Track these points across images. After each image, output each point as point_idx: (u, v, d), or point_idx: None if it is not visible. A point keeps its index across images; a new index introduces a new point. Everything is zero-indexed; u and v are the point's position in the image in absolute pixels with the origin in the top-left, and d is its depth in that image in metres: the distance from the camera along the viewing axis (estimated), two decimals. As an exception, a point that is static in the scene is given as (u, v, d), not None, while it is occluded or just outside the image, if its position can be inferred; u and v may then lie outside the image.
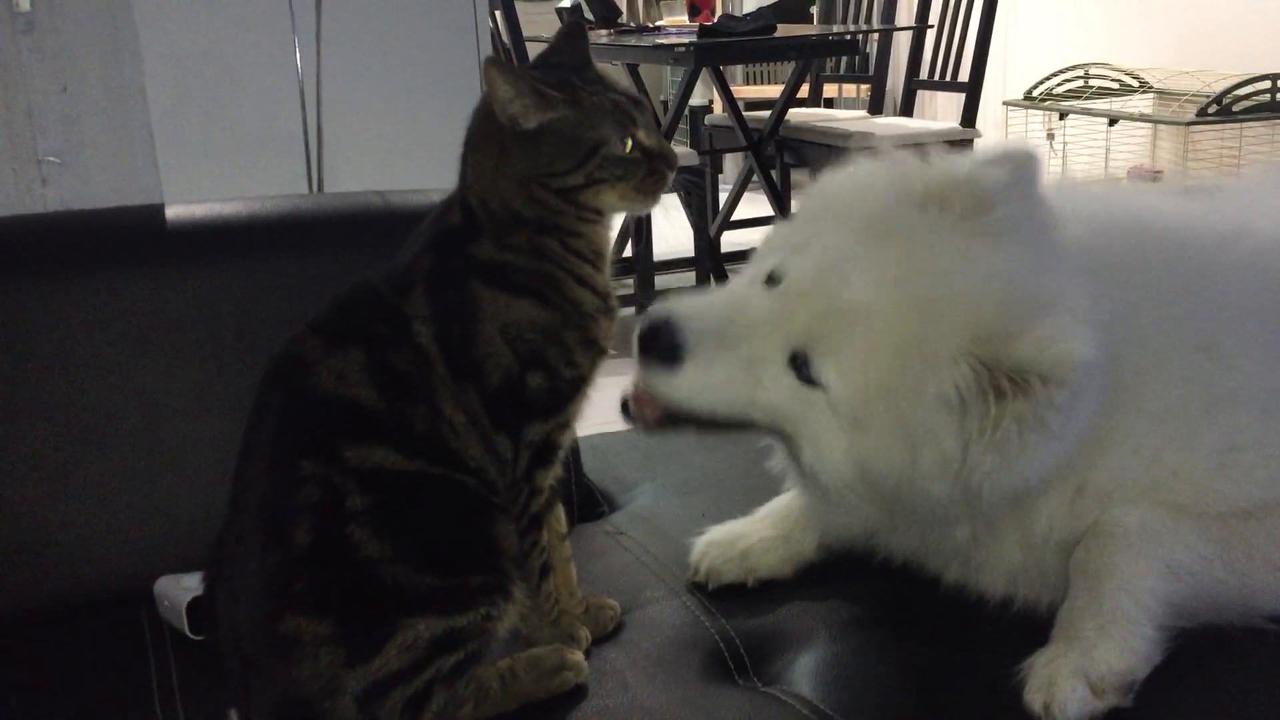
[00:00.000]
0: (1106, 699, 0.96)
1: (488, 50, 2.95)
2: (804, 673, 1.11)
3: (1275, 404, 1.11)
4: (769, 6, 4.72)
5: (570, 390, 1.06)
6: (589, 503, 1.54)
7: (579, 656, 1.10)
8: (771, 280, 1.07)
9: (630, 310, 4.64)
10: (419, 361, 1.01)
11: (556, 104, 1.00)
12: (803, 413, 1.04)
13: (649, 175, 1.04)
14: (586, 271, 1.06)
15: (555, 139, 1.01)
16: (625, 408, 1.11)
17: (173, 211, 1.49)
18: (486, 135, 1.03)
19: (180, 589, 1.23)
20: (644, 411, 1.10)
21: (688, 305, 1.06)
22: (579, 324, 1.05)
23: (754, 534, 1.27)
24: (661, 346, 1.03)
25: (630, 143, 1.03)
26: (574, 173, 1.02)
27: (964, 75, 4.52)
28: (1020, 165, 1.05)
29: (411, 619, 0.96)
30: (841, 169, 1.15)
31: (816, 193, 1.14)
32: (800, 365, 1.04)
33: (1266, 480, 1.09)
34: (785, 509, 1.30)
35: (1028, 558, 1.11)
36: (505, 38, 3.99)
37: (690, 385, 1.04)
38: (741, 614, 1.21)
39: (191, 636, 1.20)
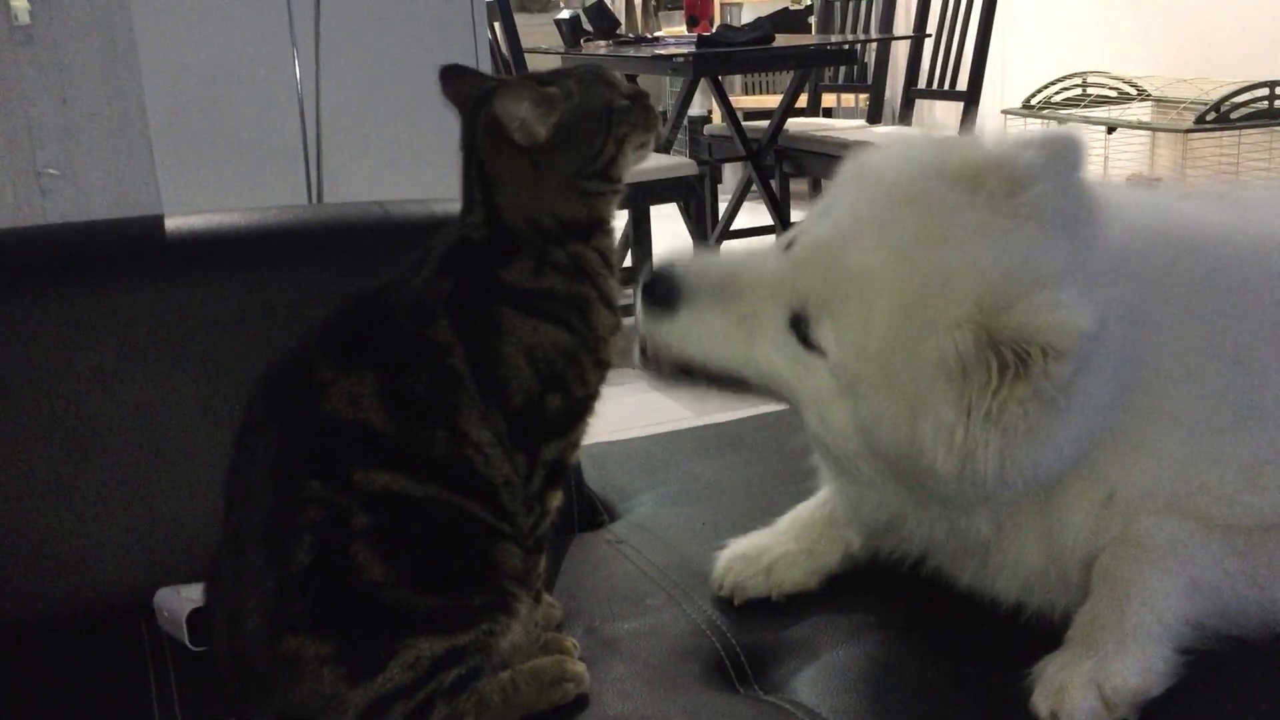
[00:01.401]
0: (1116, 713, 0.95)
1: (487, 61, 2.94)
2: (806, 680, 1.10)
3: None
4: (767, 17, 4.73)
5: (581, 409, 1.08)
6: (590, 512, 1.54)
7: (580, 667, 1.09)
8: (790, 246, 1.07)
9: (630, 320, 4.65)
10: (444, 384, 1.01)
11: (557, 100, 1.03)
12: (802, 378, 1.04)
13: (646, 112, 1.08)
14: (611, 287, 1.07)
15: (577, 126, 1.04)
16: (643, 352, 1.12)
17: (172, 223, 1.49)
18: (512, 163, 1.04)
19: (181, 600, 1.23)
20: (658, 360, 1.10)
21: (694, 259, 1.08)
22: (594, 347, 1.06)
23: (778, 548, 1.25)
24: (659, 292, 1.05)
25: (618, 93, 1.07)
26: (607, 144, 1.05)
27: (962, 84, 4.53)
28: (1060, 152, 1.02)
29: (414, 639, 0.96)
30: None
31: (854, 162, 1.11)
32: (801, 328, 1.03)
33: None
34: (809, 520, 1.28)
35: (1049, 564, 1.09)
36: (504, 49, 4.00)
37: (684, 333, 1.05)
38: (743, 622, 1.21)
39: (192, 648, 1.20)
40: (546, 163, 1.04)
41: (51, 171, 1.72)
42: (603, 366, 1.08)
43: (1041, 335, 0.92)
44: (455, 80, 1.10)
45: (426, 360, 1.01)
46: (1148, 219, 1.17)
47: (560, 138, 1.03)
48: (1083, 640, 1.00)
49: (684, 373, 1.10)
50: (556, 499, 1.08)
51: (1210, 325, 1.10)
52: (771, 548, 1.26)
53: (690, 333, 1.05)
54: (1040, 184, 0.99)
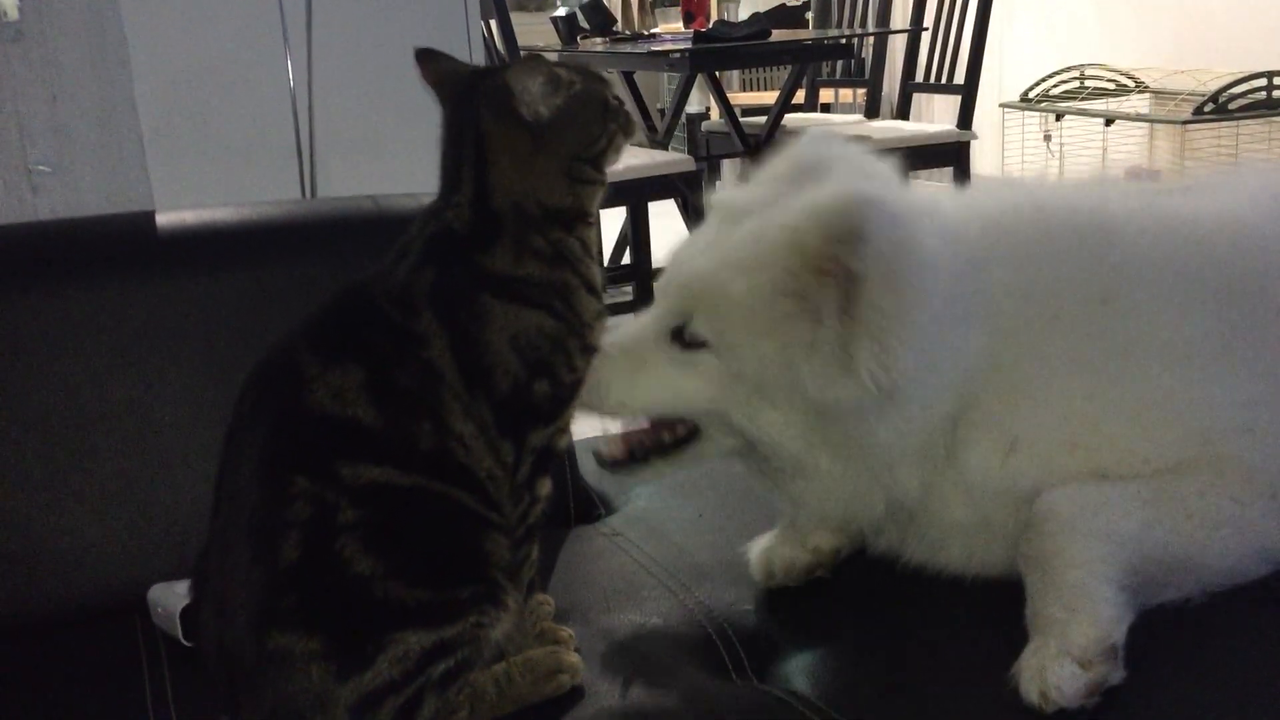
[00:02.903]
0: (1095, 670, 0.97)
1: (481, 58, 2.94)
2: (801, 669, 1.10)
3: (1182, 358, 1.13)
4: (764, 13, 4.73)
5: (569, 394, 1.07)
6: (586, 505, 1.53)
7: (575, 659, 1.09)
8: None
9: (630, 316, 4.65)
10: (426, 378, 1.00)
11: (563, 83, 1.05)
12: (699, 379, 1.12)
13: (628, 116, 1.12)
14: (593, 273, 1.08)
15: (578, 112, 1.06)
16: (599, 458, 1.21)
17: (164, 219, 1.48)
18: (511, 136, 1.04)
19: (174, 596, 1.22)
20: (612, 450, 1.19)
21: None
22: (580, 332, 1.06)
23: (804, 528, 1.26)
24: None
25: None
26: (601, 134, 1.08)
27: (960, 78, 4.52)
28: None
29: (402, 633, 0.95)
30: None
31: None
32: (681, 336, 1.12)
33: (1184, 437, 1.11)
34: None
35: (979, 522, 1.14)
36: (500, 46, 3.99)
37: (617, 391, 1.13)
38: (738, 612, 1.21)
39: (185, 643, 1.20)
40: (545, 142, 1.05)
41: (42, 168, 1.72)
42: (589, 351, 1.08)
43: (828, 223, 1.04)
44: (431, 63, 1.11)
45: (409, 353, 1.01)
46: (1015, 198, 1.27)
47: (562, 121, 1.05)
48: (1039, 627, 1.03)
49: (634, 458, 1.19)
50: (546, 486, 1.07)
51: (1075, 273, 1.16)
52: (799, 527, 1.27)
53: (621, 388, 1.13)
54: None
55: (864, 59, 5.17)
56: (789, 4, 5.99)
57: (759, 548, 1.27)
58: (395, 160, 2.62)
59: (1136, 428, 1.12)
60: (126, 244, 1.45)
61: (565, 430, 1.09)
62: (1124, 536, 1.06)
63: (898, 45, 5.19)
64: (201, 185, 2.34)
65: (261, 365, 1.04)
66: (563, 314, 1.05)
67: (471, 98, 1.06)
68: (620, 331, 1.16)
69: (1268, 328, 1.17)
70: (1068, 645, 0.98)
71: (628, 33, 4.98)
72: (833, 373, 1.05)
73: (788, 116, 4.66)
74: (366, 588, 0.94)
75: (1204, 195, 1.32)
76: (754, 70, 6.89)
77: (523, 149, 1.05)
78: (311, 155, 2.58)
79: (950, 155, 4.43)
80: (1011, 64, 6.10)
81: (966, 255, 1.14)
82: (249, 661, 0.95)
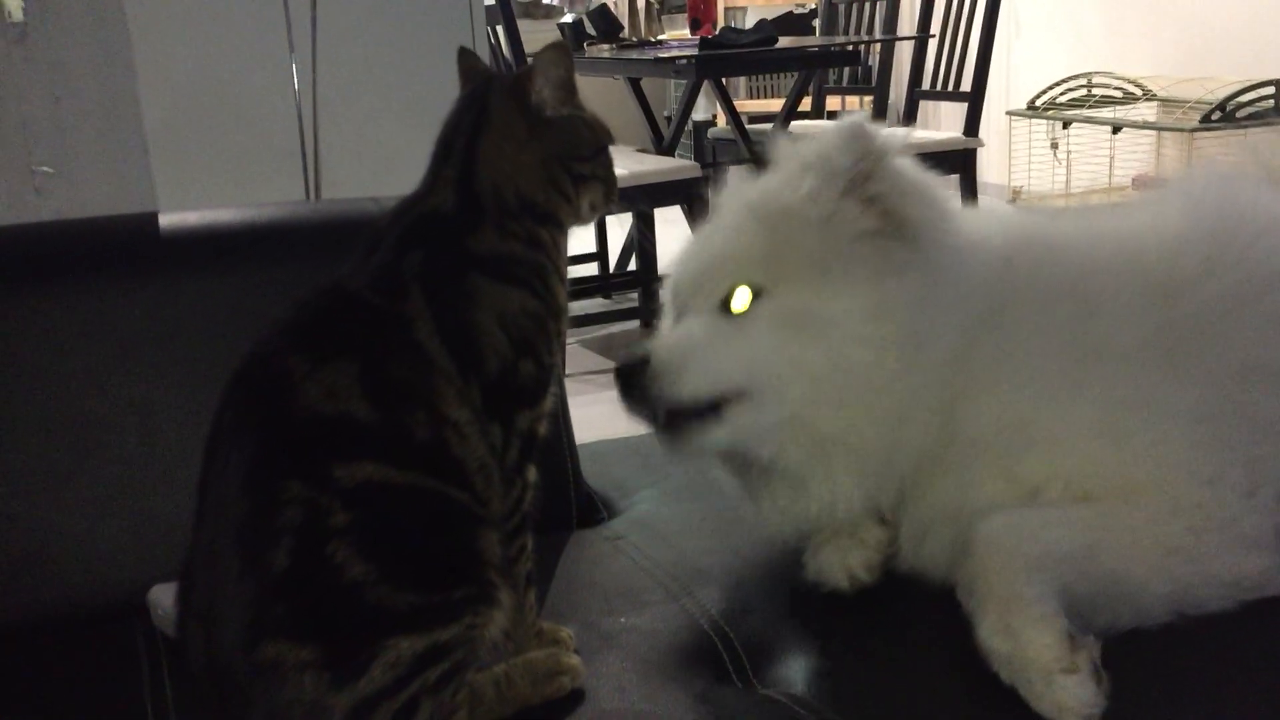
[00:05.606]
0: (1080, 668, 0.97)
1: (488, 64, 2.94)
2: (805, 675, 1.09)
3: (1134, 364, 1.13)
4: (771, 20, 4.73)
5: (549, 377, 1.09)
6: (589, 509, 1.53)
7: (575, 660, 1.08)
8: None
9: (634, 323, 4.64)
10: (419, 364, 1.00)
11: (579, 103, 1.10)
12: (764, 343, 1.17)
13: (614, 187, 1.15)
14: (563, 264, 1.11)
15: (577, 129, 1.10)
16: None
17: (167, 220, 1.48)
18: (510, 118, 1.08)
19: (174, 597, 1.21)
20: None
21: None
22: (555, 315, 1.09)
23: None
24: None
25: None
26: (588, 163, 1.11)
27: (966, 85, 4.52)
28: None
29: (395, 638, 0.93)
30: None
31: None
32: (733, 307, 1.18)
33: (1149, 447, 1.10)
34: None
35: (960, 498, 1.15)
36: (507, 53, 4.00)
37: (693, 374, 1.16)
38: (742, 618, 1.20)
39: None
40: (538, 135, 1.08)
41: (46, 169, 1.72)
42: (559, 340, 1.11)
43: (853, 146, 1.16)
44: (466, 61, 1.16)
45: (399, 338, 1.00)
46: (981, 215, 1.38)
47: (560, 127, 1.09)
48: (1006, 663, 1.01)
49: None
50: (533, 473, 1.07)
51: (1043, 274, 1.21)
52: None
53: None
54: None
55: (871, 66, 5.17)
56: (796, 11, 6.00)
57: (827, 557, 1.23)
58: (399, 163, 2.62)
59: (1104, 432, 1.11)
60: (129, 245, 1.45)
61: (544, 418, 1.09)
62: (1057, 557, 1.05)
63: (904, 52, 5.19)
64: (205, 187, 2.34)
65: (241, 373, 1.02)
66: (542, 294, 1.07)
67: (489, 82, 1.11)
68: (662, 331, 1.22)
69: (1197, 326, 1.16)
70: (1042, 667, 0.97)
71: (634, 39, 4.97)
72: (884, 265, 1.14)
73: (794, 124, 4.66)
74: (359, 594, 0.92)
75: (1138, 210, 1.37)
76: (760, 77, 6.90)
77: (518, 131, 1.08)
78: (316, 157, 2.58)
79: (957, 163, 4.43)
80: (1019, 71, 6.10)
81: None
82: (239, 674, 0.93)
